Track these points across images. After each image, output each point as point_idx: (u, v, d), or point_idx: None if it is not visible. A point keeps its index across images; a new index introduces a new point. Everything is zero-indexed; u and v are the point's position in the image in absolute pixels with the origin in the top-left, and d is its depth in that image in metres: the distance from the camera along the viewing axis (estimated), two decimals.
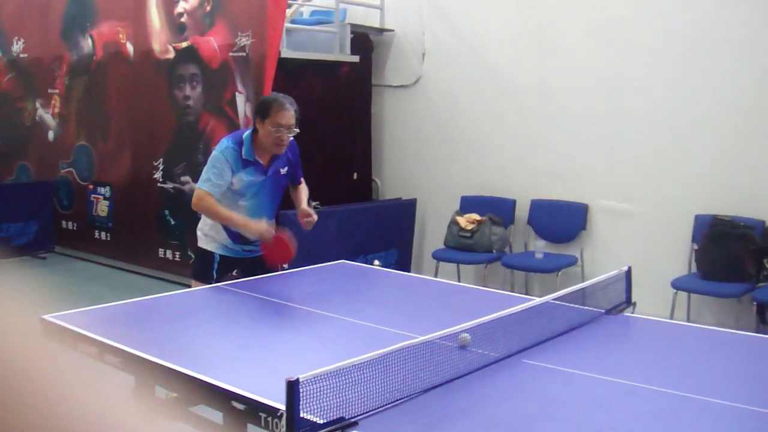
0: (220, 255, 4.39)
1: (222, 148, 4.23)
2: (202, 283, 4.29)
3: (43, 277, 8.20)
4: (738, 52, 5.99)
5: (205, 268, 4.39)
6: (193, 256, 4.75)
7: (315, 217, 4.38)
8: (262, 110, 4.19)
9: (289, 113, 4.15)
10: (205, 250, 4.43)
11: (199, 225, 4.49)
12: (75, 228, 9.38)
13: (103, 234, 8.99)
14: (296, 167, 4.51)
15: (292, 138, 4.26)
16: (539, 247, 6.82)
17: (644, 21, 6.43)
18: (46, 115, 9.64)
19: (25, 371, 0.53)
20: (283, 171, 4.40)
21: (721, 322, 5.92)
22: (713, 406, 2.49)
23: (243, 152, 4.20)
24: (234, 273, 4.43)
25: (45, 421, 0.51)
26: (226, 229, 4.33)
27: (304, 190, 4.59)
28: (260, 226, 4.18)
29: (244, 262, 4.43)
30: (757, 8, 5.90)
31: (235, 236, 4.35)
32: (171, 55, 7.95)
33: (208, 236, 4.41)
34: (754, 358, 3.08)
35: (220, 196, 4.20)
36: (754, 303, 5.68)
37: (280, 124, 4.13)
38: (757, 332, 5.02)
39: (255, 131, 4.24)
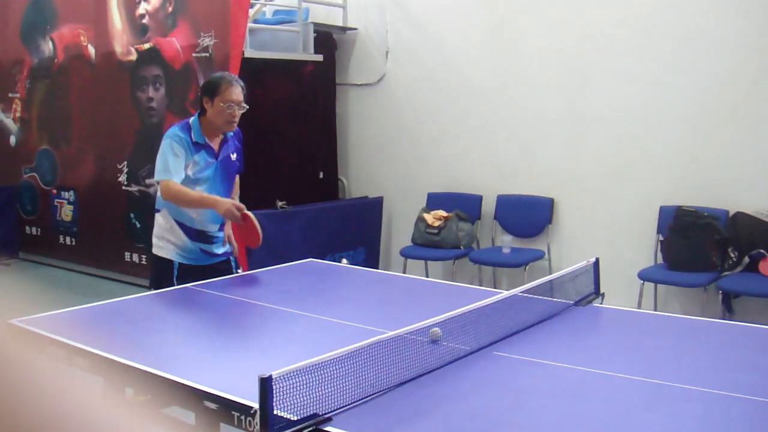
0: (179, 263, 4.27)
1: (171, 135, 4.13)
2: None
3: (8, 283, 8.08)
4: (697, 44, 6.04)
5: (164, 277, 4.24)
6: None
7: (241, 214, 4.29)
8: (211, 89, 4.17)
9: (237, 89, 4.16)
10: (162, 258, 4.29)
11: (155, 231, 4.36)
12: (39, 233, 9.29)
13: (67, 239, 8.90)
14: (241, 155, 4.48)
15: (237, 128, 4.29)
16: (506, 242, 6.85)
17: (603, 16, 6.47)
18: (7, 120, 9.53)
19: None
20: (233, 157, 4.37)
21: (688, 311, 5.98)
22: (685, 393, 2.51)
23: (193, 136, 4.15)
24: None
25: (18, 427, 0.50)
26: (184, 227, 4.24)
27: (237, 184, 4.58)
28: (229, 202, 4.12)
29: (204, 270, 4.30)
30: (720, 6, 5.95)
31: (194, 234, 4.26)
32: (133, 56, 7.89)
33: (165, 240, 4.28)
34: (722, 345, 3.11)
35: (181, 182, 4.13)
36: (720, 292, 5.74)
37: (231, 100, 4.12)
38: (723, 320, 5.07)
39: (202, 114, 4.20)
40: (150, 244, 4.41)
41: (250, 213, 4.22)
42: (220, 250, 4.40)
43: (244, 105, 4.20)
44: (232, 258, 4.52)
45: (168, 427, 2.99)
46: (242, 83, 4.23)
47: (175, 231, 4.26)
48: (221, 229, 4.39)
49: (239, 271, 4.57)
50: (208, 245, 4.33)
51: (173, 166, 4.07)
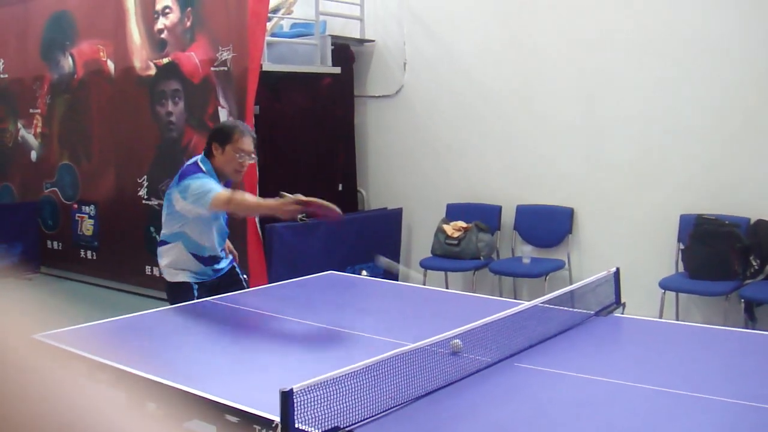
0: (196, 283, 4.24)
1: (197, 173, 4.03)
2: None
3: (30, 298, 8.12)
4: (717, 52, 6.01)
5: (186, 300, 4.19)
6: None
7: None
8: (222, 136, 4.10)
9: (249, 139, 4.11)
10: (180, 283, 4.25)
11: (166, 262, 4.32)
12: (60, 248, 9.33)
13: (89, 253, 8.94)
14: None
15: None
16: (526, 252, 6.83)
17: (621, 25, 6.45)
18: (29, 136, 9.60)
19: (20, 392, 0.53)
20: None
21: (710, 320, 5.94)
22: (707, 403, 2.49)
23: None
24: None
25: None
26: (197, 257, 4.22)
27: None
28: (285, 201, 3.87)
29: (218, 282, 4.32)
30: (738, 13, 5.93)
31: (206, 260, 4.25)
32: (152, 71, 7.94)
33: (178, 269, 4.26)
34: (745, 355, 3.09)
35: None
36: (742, 300, 5.69)
37: (242, 150, 4.06)
38: (745, 329, 5.04)
39: (210, 158, 4.12)
40: None
41: (310, 198, 4.07)
42: (224, 264, 4.43)
43: (254, 156, 4.18)
44: (235, 265, 4.52)
45: None
46: (254, 134, 4.20)
47: (190, 261, 4.24)
48: (224, 248, 4.44)
49: (245, 276, 4.59)
50: (216, 264, 4.34)
51: (216, 184, 3.98)
